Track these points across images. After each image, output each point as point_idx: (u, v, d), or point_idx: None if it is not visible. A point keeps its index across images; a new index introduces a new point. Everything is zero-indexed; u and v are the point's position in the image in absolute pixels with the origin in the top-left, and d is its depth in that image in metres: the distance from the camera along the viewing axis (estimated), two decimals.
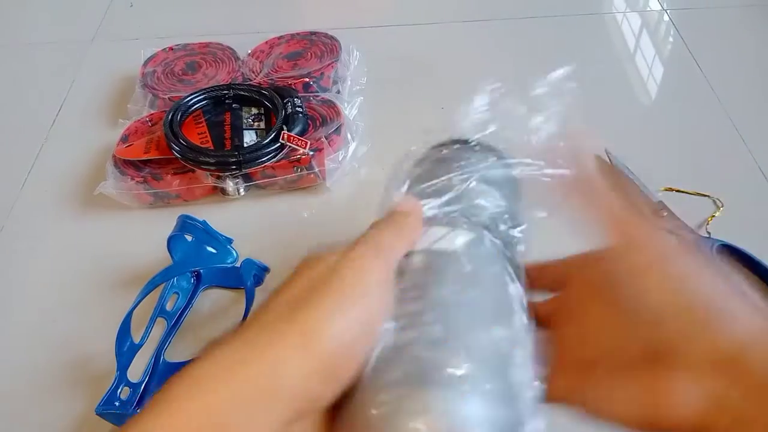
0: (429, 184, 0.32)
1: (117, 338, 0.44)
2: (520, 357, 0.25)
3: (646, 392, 0.23)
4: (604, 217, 0.26)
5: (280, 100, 0.58)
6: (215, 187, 0.57)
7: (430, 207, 0.30)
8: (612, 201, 0.26)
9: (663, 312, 0.22)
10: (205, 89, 0.60)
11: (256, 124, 0.58)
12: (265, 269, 0.48)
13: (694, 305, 0.22)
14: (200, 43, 0.69)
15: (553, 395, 0.26)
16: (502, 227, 0.31)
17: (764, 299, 0.23)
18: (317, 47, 0.67)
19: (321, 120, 0.59)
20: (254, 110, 0.60)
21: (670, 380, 0.22)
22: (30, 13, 0.83)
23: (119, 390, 0.43)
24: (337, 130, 0.58)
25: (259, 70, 0.65)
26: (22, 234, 0.56)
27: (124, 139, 0.59)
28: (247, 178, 0.56)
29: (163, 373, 0.45)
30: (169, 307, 0.49)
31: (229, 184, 0.56)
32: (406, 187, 0.33)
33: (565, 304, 0.29)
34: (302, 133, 0.56)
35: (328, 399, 0.22)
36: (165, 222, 0.51)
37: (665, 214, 0.53)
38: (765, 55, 0.71)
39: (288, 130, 0.55)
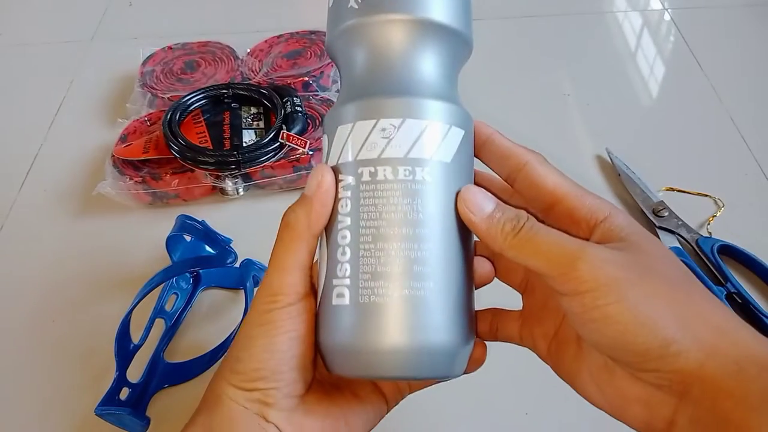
0: None
1: (116, 338, 0.43)
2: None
3: (610, 387, 0.25)
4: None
5: (279, 100, 0.58)
6: (214, 187, 0.56)
7: None
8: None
9: (632, 332, 0.22)
10: (204, 88, 0.60)
11: (255, 123, 0.58)
12: (265, 269, 0.48)
13: (657, 329, 0.22)
14: (199, 42, 0.69)
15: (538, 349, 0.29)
16: None
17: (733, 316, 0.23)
18: (317, 46, 0.67)
19: (321, 119, 0.59)
20: (253, 109, 0.60)
21: (630, 384, 0.24)
22: (29, 13, 0.83)
23: (119, 390, 0.43)
24: None
25: (258, 70, 0.65)
26: (21, 234, 0.56)
27: (123, 138, 0.59)
28: (246, 177, 0.56)
29: (162, 373, 0.45)
30: (168, 307, 0.49)
31: (228, 184, 0.56)
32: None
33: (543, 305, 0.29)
34: (302, 133, 0.56)
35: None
36: (164, 222, 0.51)
37: (666, 213, 0.53)
38: (766, 54, 0.71)
39: (287, 130, 0.55)
